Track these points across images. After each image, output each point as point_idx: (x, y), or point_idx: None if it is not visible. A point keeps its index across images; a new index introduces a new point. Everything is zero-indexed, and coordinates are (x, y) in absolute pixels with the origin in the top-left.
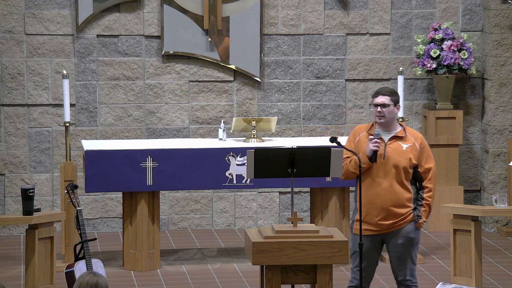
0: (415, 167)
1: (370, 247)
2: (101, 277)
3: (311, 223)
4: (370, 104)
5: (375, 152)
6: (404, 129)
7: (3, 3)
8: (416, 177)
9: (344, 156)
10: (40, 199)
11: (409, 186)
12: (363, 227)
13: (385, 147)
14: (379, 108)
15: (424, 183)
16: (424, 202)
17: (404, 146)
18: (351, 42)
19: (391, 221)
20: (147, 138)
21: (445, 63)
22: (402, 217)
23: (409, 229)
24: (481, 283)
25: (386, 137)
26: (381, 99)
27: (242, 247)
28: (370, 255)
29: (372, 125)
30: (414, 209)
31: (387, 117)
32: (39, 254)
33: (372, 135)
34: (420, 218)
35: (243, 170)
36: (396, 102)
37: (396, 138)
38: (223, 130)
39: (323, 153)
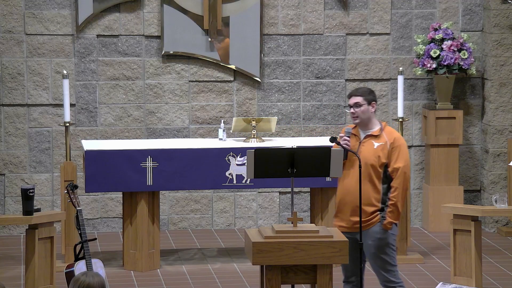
0: (386, 167)
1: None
2: (94, 277)
3: (311, 223)
4: (345, 107)
5: (345, 150)
6: (381, 128)
7: (3, 3)
8: (387, 177)
9: None
10: (40, 199)
11: (379, 186)
12: (339, 223)
13: (359, 145)
14: (352, 109)
15: (392, 183)
16: (389, 202)
17: (376, 144)
18: (351, 42)
19: (357, 218)
20: (147, 138)
21: (445, 63)
22: (370, 217)
23: (377, 229)
24: (481, 283)
25: (362, 136)
26: (354, 100)
27: (242, 247)
28: (350, 252)
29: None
30: (382, 209)
31: (361, 117)
32: (39, 254)
33: (353, 133)
34: (384, 219)
35: (243, 170)
36: (370, 101)
37: (371, 136)
38: (223, 130)
39: (323, 153)
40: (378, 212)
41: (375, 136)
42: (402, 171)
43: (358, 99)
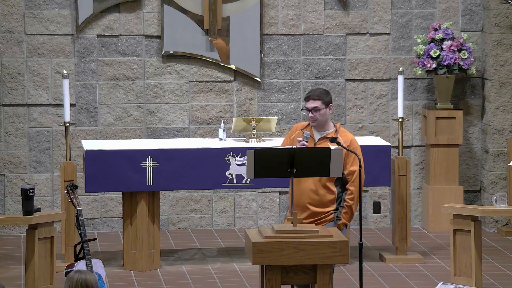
0: (342, 169)
1: None
2: (89, 274)
3: None
4: (302, 109)
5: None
6: (336, 130)
7: (3, 3)
8: (342, 179)
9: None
10: (40, 199)
11: (333, 187)
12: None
13: (314, 147)
14: (311, 114)
15: (347, 186)
16: (345, 204)
17: (332, 147)
18: (351, 42)
19: (311, 219)
20: (147, 138)
21: (445, 63)
22: (323, 216)
23: (330, 227)
24: (481, 283)
25: (317, 137)
26: (312, 104)
27: (242, 247)
28: None
29: (309, 124)
30: (337, 209)
31: (319, 120)
32: (39, 254)
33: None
34: (339, 220)
35: (243, 170)
36: (328, 103)
37: (326, 138)
38: (223, 130)
39: (323, 153)
40: (333, 211)
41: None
42: (357, 174)
43: (317, 103)
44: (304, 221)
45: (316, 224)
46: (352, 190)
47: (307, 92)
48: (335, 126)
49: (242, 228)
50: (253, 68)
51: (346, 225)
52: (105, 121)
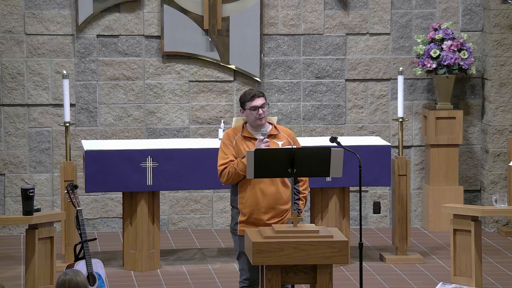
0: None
1: None
2: (80, 274)
3: (311, 223)
4: (248, 109)
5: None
6: (275, 126)
7: (3, 3)
8: None
9: (225, 160)
10: (40, 199)
11: (288, 181)
12: (244, 228)
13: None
14: (260, 111)
15: (300, 177)
16: (301, 195)
17: (280, 143)
18: (351, 42)
19: (277, 219)
20: (147, 138)
21: (445, 63)
22: (286, 213)
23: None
24: (481, 283)
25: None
26: (260, 101)
27: None
28: None
29: (243, 127)
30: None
31: (265, 117)
32: (39, 254)
33: (247, 136)
34: (301, 212)
35: None
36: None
37: (270, 136)
38: (223, 130)
39: (323, 153)
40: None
41: (275, 136)
42: None
43: (263, 99)
44: (270, 221)
45: (280, 222)
46: (304, 180)
47: (246, 94)
48: (270, 123)
49: None
50: (253, 68)
51: None
52: (105, 121)
